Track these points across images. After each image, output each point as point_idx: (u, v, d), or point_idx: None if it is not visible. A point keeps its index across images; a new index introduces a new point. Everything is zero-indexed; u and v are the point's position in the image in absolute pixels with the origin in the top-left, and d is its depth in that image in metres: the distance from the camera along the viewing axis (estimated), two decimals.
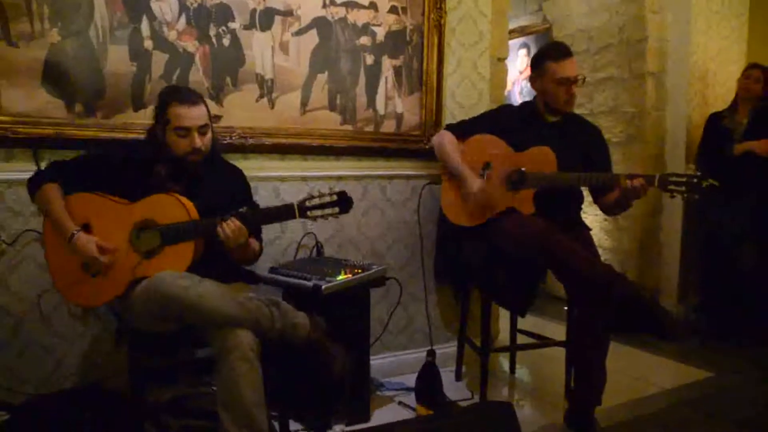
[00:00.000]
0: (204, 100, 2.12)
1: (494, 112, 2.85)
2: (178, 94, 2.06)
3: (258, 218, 2.11)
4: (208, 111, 2.11)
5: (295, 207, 2.00)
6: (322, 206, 2.00)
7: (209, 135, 2.10)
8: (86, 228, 2.02)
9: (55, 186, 2.02)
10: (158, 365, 2.16)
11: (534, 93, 2.68)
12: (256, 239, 2.27)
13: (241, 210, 2.03)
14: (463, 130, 2.70)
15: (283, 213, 2.03)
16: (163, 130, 2.05)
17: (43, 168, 2.10)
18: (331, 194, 2.00)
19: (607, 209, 2.62)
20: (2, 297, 2.25)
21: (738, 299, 3.84)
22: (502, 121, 2.67)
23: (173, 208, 2.00)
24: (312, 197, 2.00)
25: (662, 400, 2.83)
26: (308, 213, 1.99)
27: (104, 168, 2.09)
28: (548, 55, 2.56)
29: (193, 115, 2.03)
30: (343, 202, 2.01)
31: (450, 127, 2.74)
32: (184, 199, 2.02)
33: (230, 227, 1.96)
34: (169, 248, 1.98)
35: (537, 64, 2.60)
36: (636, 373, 3.14)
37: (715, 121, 3.94)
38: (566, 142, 2.53)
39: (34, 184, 2.05)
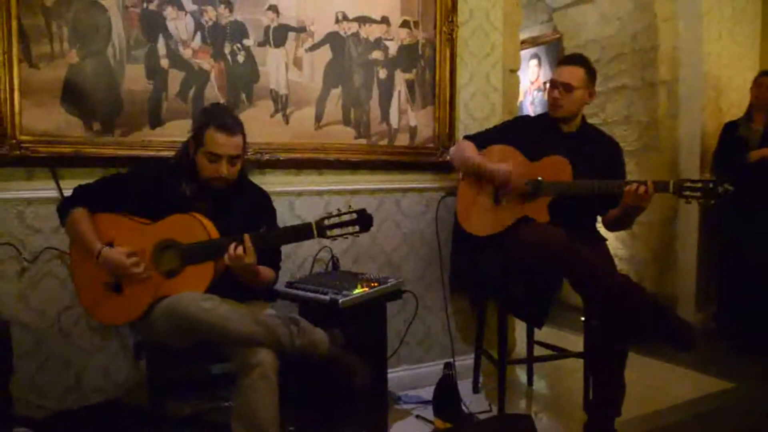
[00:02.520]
0: (243, 131, 2.11)
1: (511, 122, 2.86)
2: (219, 119, 2.04)
3: (275, 238, 2.07)
4: (245, 142, 2.11)
5: (314, 226, 1.95)
6: (341, 225, 1.94)
7: (239, 166, 2.10)
8: (110, 246, 2.04)
9: (83, 210, 2.05)
10: (177, 379, 2.18)
11: (546, 103, 2.71)
12: (274, 266, 2.24)
13: (259, 230, 2.00)
14: (480, 140, 2.70)
15: (301, 232, 1.99)
16: (196, 149, 2.06)
17: (68, 194, 2.13)
18: (350, 212, 1.94)
19: (609, 224, 2.61)
20: (23, 313, 2.28)
21: (759, 308, 3.79)
22: (519, 131, 2.68)
23: (193, 228, 1.99)
24: (330, 216, 1.95)
25: (682, 411, 2.80)
26: (327, 232, 1.94)
27: (128, 188, 2.10)
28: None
29: (228, 144, 2.02)
30: (363, 220, 1.95)
31: (468, 138, 2.75)
32: (204, 219, 2.02)
33: (234, 249, 1.92)
34: (190, 268, 1.98)
35: None
36: (655, 384, 3.11)
37: (730, 129, 3.92)
38: (582, 152, 2.52)
39: (62, 212, 2.08)
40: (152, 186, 2.09)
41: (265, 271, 2.15)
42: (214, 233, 2.01)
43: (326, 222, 1.94)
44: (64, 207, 2.08)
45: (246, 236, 1.95)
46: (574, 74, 2.55)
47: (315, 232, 1.95)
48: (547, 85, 2.62)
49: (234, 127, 2.06)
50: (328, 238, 1.95)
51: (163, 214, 2.03)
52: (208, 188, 2.08)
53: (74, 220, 2.04)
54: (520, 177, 2.53)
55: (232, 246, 1.93)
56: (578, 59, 2.61)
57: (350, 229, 1.94)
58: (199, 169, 2.06)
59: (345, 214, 1.95)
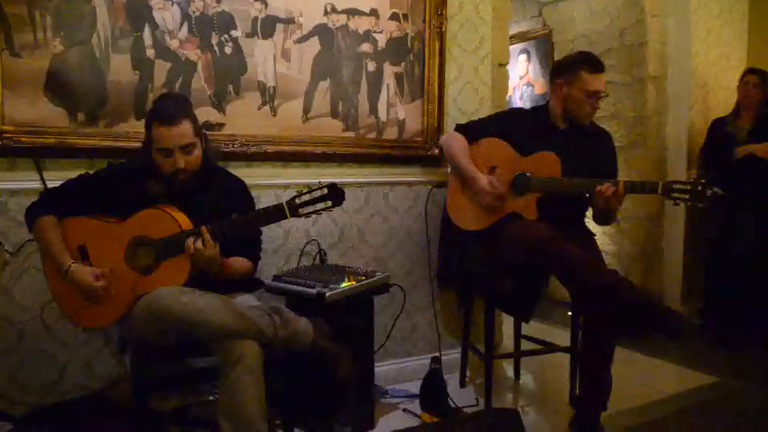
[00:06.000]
0: (189, 115, 2.02)
1: (505, 114, 2.85)
2: (158, 112, 1.98)
3: (245, 222, 1.98)
4: (195, 126, 2.03)
5: (285, 206, 1.90)
6: (313, 201, 1.89)
7: (196, 152, 2.02)
8: (83, 250, 2.02)
9: (50, 219, 2.01)
10: (161, 374, 2.16)
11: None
12: (251, 256, 2.20)
13: (232, 217, 1.95)
14: (472, 131, 2.68)
15: (273, 213, 1.92)
16: (150, 149, 2.01)
17: (36, 200, 2.09)
18: (321, 188, 1.89)
19: (595, 218, 2.61)
20: (5, 307, 2.24)
21: (743, 303, 3.81)
22: (512, 124, 2.66)
23: (164, 221, 1.95)
24: (301, 193, 1.90)
25: (668, 405, 2.82)
26: (299, 210, 1.89)
27: (96, 189, 2.06)
28: (584, 64, 2.51)
29: (172, 135, 1.95)
30: (335, 195, 1.90)
31: (459, 128, 2.73)
32: (174, 212, 1.97)
33: (192, 243, 1.87)
34: (166, 262, 1.94)
35: (568, 70, 2.54)
36: (641, 378, 3.13)
37: (718, 126, 3.94)
38: (574, 149, 2.51)
39: (29, 218, 2.04)
40: (120, 186, 2.05)
41: (237, 263, 2.10)
42: (186, 225, 1.96)
43: (297, 200, 1.89)
44: (32, 213, 2.03)
45: (203, 228, 1.90)
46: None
47: (287, 211, 1.90)
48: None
49: (174, 115, 1.96)
50: (301, 216, 1.90)
51: (134, 210, 1.99)
52: (174, 184, 2.02)
53: (41, 229, 2.00)
54: (509, 172, 2.53)
55: (190, 240, 1.88)
56: (603, 64, 2.54)
57: (322, 204, 1.89)
58: (159, 166, 2.01)
59: (315, 189, 1.89)
